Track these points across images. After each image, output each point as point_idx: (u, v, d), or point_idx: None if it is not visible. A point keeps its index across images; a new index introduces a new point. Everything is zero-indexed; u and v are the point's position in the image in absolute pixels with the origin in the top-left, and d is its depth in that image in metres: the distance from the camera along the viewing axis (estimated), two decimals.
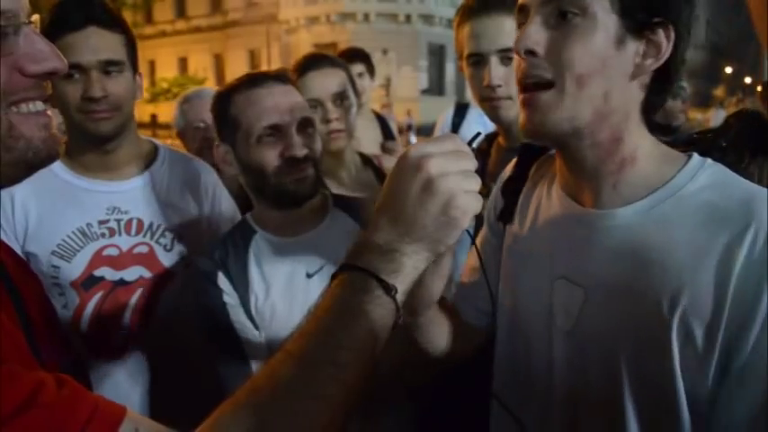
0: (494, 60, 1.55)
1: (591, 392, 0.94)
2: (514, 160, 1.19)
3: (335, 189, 1.87)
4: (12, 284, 0.82)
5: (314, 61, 1.89)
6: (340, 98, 1.86)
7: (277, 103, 1.37)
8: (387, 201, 0.77)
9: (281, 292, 1.38)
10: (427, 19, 28.14)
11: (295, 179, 1.36)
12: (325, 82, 1.86)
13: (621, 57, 0.87)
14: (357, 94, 1.96)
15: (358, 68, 3.17)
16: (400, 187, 0.75)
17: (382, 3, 28.03)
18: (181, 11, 34.99)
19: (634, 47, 0.88)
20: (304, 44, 28.25)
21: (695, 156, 0.92)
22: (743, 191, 0.87)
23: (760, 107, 4.90)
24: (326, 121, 1.84)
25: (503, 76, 1.55)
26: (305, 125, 1.39)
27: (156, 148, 1.70)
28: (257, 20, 30.40)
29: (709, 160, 0.92)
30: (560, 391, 0.99)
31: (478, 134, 0.85)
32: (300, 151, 1.35)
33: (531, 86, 0.90)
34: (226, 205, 1.77)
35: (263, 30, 28.63)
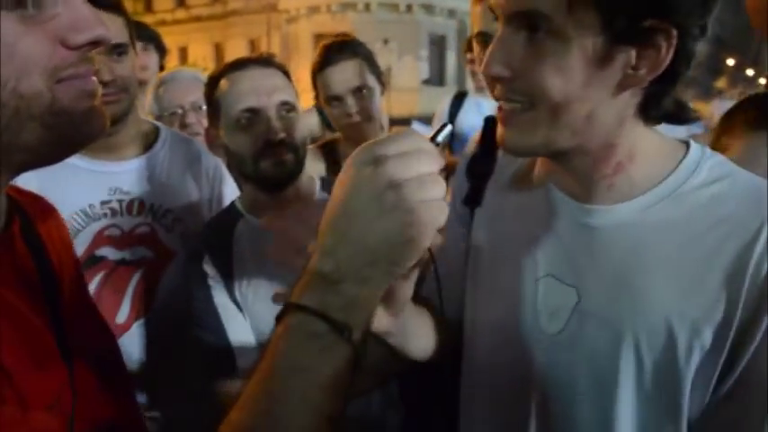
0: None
1: (580, 401, 0.87)
2: (478, 135, 1.08)
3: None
4: (49, 268, 0.74)
5: (331, 57, 1.90)
6: (359, 89, 1.90)
7: (255, 85, 1.38)
8: (333, 218, 0.63)
9: (265, 275, 1.39)
10: (428, 9, 28.00)
11: (273, 163, 1.36)
12: (344, 77, 1.89)
13: (606, 75, 0.75)
14: (380, 76, 1.97)
15: None
16: (348, 200, 0.61)
17: None
18: (180, 0, 34.85)
19: (623, 58, 0.74)
20: (304, 34, 28.17)
21: (693, 146, 0.86)
22: (749, 186, 0.82)
23: None
24: (347, 115, 1.90)
25: None
26: (285, 109, 1.39)
27: (157, 130, 1.71)
28: (257, 9, 30.25)
29: (708, 150, 0.86)
30: (540, 398, 0.91)
31: (445, 126, 0.71)
32: (278, 135, 1.35)
33: (506, 106, 0.81)
34: (228, 188, 1.78)
35: (263, 19, 28.53)
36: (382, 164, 0.60)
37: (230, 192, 1.78)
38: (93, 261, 1.56)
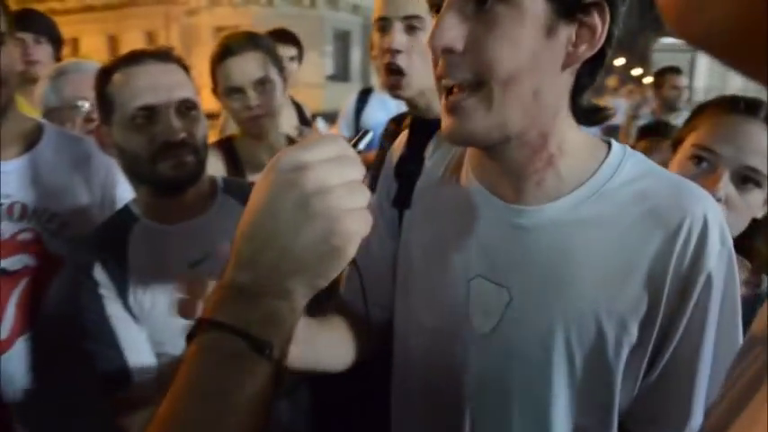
0: (398, 25, 1.44)
1: (514, 399, 0.89)
2: (405, 137, 1.10)
3: (253, 173, 1.86)
4: None
5: (233, 47, 1.83)
6: (262, 82, 1.83)
7: (153, 81, 1.28)
8: (251, 225, 0.58)
9: (162, 283, 1.31)
10: (332, 4, 27.92)
11: (170, 165, 1.28)
12: (246, 69, 1.82)
13: (552, 47, 0.76)
14: (282, 70, 1.91)
15: (290, 52, 3.17)
16: (268, 209, 0.57)
17: None
18: None
19: (566, 33, 0.76)
20: (205, 27, 27.40)
21: (614, 144, 0.88)
22: (671, 182, 0.85)
23: (653, 95, 5.18)
24: (248, 108, 1.83)
25: (405, 44, 1.44)
26: (185, 107, 1.31)
27: (40, 127, 1.58)
28: (155, 0, 29.17)
29: (628, 149, 0.88)
30: (475, 398, 0.91)
31: (365, 132, 0.68)
32: (177, 135, 1.27)
33: (452, 90, 0.79)
34: (121, 190, 1.66)
35: (161, 11, 27.53)
36: (308, 169, 0.56)
37: (124, 194, 1.67)
38: None
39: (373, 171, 1.19)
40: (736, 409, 0.35)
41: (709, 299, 0.81)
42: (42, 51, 2.53)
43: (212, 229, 1.36)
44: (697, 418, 0.85)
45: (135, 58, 1.31)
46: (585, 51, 0.77)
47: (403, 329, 1.02)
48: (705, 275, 0.80)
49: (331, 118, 4.14)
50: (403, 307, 1.01)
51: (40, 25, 2.56)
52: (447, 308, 0.92)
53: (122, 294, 1.29)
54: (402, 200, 1.03)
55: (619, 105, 9.27)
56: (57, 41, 2.63)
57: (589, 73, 0.82)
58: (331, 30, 27.64)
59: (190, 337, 0.58)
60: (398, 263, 1.03)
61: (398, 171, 1.06)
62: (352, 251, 0.58)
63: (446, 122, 0.81)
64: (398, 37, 1.42)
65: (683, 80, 4.85)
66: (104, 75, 1.32)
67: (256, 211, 0.58)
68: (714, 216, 0.82)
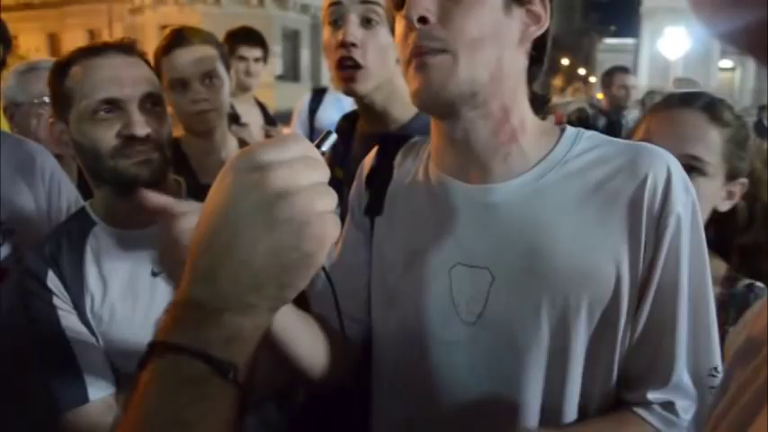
0: (352, 17, 1.34)
1: (502, 385, 0.90)
2: (375, 150, 1.12)
3: (203, 176, 1.77)
4: None
5: (181, 38, 1.75)
6: (209, 77, 1.75)
7: (117, 74, 1.21)
8: (208, 234, 0.52)
9: (122, 293, 1.23)
10: (281, 3, 27.70)
11: (134, 162, 1.20)
12: (193, 60, 1.73)
13: (510, 23, 0.88)
14: (229, 71, 1.85)
15: (256, 53, 3.09)
16: (226, 215, 0.52)
17: None
18: None
19: (519, 14, 0.89)
20: (150, 26, 26.83)
21: (569, 127, 0.96)
22: (628, 146, 0.92)
23: (600, 94, 5.30)
24: (194, 101, 1.74)
25: (360, 38, 1.34)
26: (150, 102, 1.24)
27: None
28: None
29: (583, 129, 0.95)
30: (465, 388, 0.92)
31: (329, 133, 0.65)
32: (141, 130, 1.20)
33: (423, 52, 0.86)
34: (66, 193, 1.59)
35: (104, 9, 26.86)
36: (271, 170, 0.51)
37: (70, 197, 1.60)
38: None
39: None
40: (742, 424, 0.34)
41: (680, 241, 0.87)
42: None
43: None
44: (681, 372, 0.88)
45: (96, 49, 1.24)
46: (535, 32, 0.90)
47: (384, 337, 1.01)
48: (675, 217, 0.86)
49: (281, 118, 4.08)
50: (383, 315, 1.01)
51: None
52: (432, 303, 0.94)
53: (79, 306, 1.21)
54: (374, 207, 1.04)
55: (570, 104, 9.48)
56: (5, 41, 2.53)
57: (537, 59, 0.94)
58: (280, 29, 27.41)
59: (142, 362, 0.52)
60: (374, 270, 1.04)
61: (369, 181, 1.08)
62: (322, 257, 0.54)
63: (417, 82, 0.87)
64: (353, 30, 1.33)
65: (631, 79, 4.98)
66: (61, 68, 1.24)
67: (213, 218, 0.52)
68: (676, 167, 0.89)
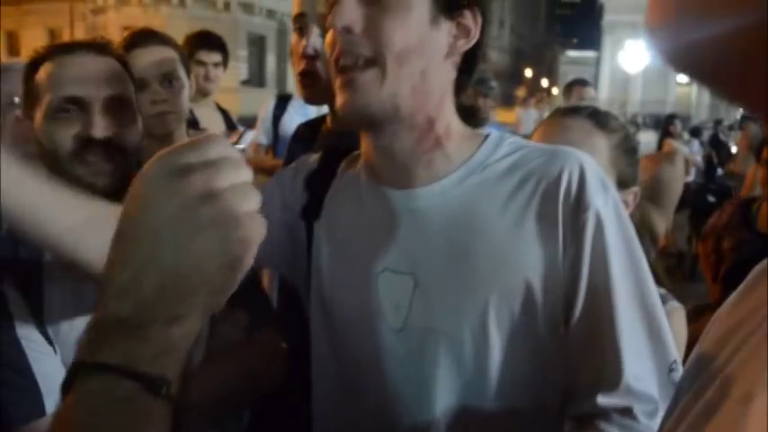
0: (314, 30, 1.38)
1: (436, 388, 0.88)
2: (319, 155, 1.12)
3: None
4: None
5: (141, 38, 1.72)
6: (169, 79, 1.72)
7: (82, 72, 1.16)
8: (125, 247, 0.50)
9: (82, 300, 1.16)
10: (247, 8, 27.52)
11: (91, 171, 1.14)
12: (153, 61, 1.70)
13: (436, 36, 0.88)
14: (189, 75, 1.83)
15: (215, 58, 3.05)
16: (145, 223, 0.49)
17: None
18: None
19: (447, 27, 0.89)
20: (113, 26, 26.33)
21: (494, 132, 0.97)
22: (545, 149, 0.93)
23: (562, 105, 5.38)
24: (153, 102, 1.69)
25: (321, 49, 1.35)
26: (116, 104, 1.18)
27: None
28: None
29: (507, 135, 0.97)
30: (397, 396, 0.91)
31: (245, 130, 0.61)
32: (101, 132, 1.13)
33: (349, 67, 0.87)
34: None
35: (65, 8, 26.33)
36: (191, 173, 0.49)
37: None
38: None
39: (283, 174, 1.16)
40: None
41: (605, 240, 0.85)
42: None
43: None
44: (631, 374, 0.84)
45: (68, 47, 1.20)
46: (463, 45, 0.90)
47: (321, 343, 1.01)
48: (593, 213, 0.85)
49: (247, 123, 4.05)
50: (319, 322, 1.01)
51: None
52: (361, 310, 0.93)
53: (36, 313, 1.15)
54: (312, 211, 1.03)
55: (529, 115, 9.62)
56: None
57: (467, 70, 0.94)
58: (245, 34, 27.25)
59: (66, 385, 0.48)
60: (312, 276, 1.02)
61: (310, 183, 1.06)
62: (250, 259, 0.52)
63: (342, 99, 0.88)
64: (314, 40, 1.35)
65: (590, 91, 5.04)
66: (33, 64, 1.20)
67: (130, 228, 0.49)
68: (590, 165, 0.89)
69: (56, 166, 1.16)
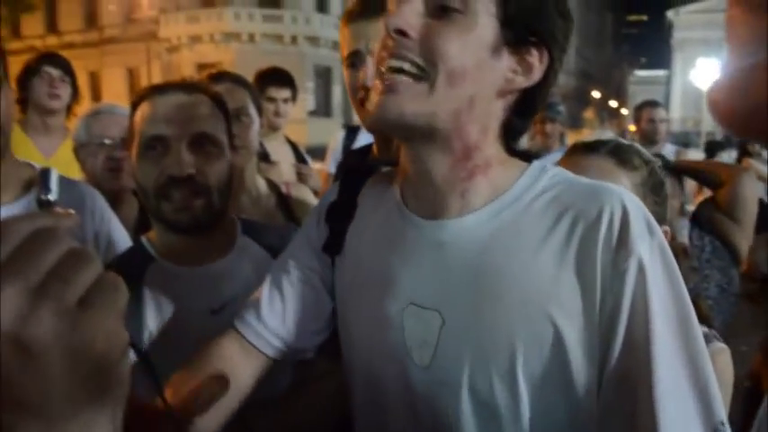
0: (370, 60, 1.40)
1: (467, 420, 0.82)
2: (337, 184, 1.05)
3: (234, 214, 1.82)
4: None
5: (214, 77, 1.82)
6: (238, 114, 1.79)
7: (170, 112, 1.21)
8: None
9: (180, 330, 1.19)
10: (313, 41, 28.25)
11: (174, 208, 1.19)
12: (225, 96, 1.80)
13: (495, 65, 0.81)
14: (260, 113, 1.92)
15: (285, 94, 3.15)
16: None
17: (267, 23, 27.87)
18: (52, 25, 33.14)
19: (507, 61, 0.82)
20: (186, 63, 27.54)
21: (535, 162, 0.89)
22: (585, 185, 0.85)
23: (632, 127, 5.29)
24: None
25: None
26: (201, 142, 1.21)
27: (35, 173, 1.57)
28: (136, 37, 29.33)
29: (549, 165, 0.89)
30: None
31: (46, 172, 0.54)
32: (185, 170, 1.17)
33: (396, 69, 0.80)
34: (117, 234, 1.66)
35: (142, 48, 27.68)
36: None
37: (119, 235, 1.66)
38: None
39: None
40: None
41: (646, 290, 0.76)
42: (65, 89, 2.87)
43: (234, 273, 1.26)
44: None
45: (161, 88, 1.26)
46: (522, 83, 0.83)
47: (352, 376, 0.97)
48: (636, 260, 0.76)
49: (314, 153, 4.15)
50: (348, 356, 0.97)
51: (65, 65, 2.92)
52: (387, 345, 0.87)
53: (136, 341, 1.22)
54: (334, 245, 0.99)
55: (606, 135, 9.49)
56: (74, 84, 2.97)
57: (521, 113, 0.86)
58: (312, 66, 27.91)
59: None
60: (339, 311, 0.99)
61: (330, 216, 1.01)
62: (125, 366, 0.47)
63: (377, 99, 0.81)
64: (372, 73, 1.35)
65: (660, 113, 4.84)
66: (134, 105, 1.27)
67: None
68: (635, 205, 0.80)
69: (147, 201, 1.24)
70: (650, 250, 0.77)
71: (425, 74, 0.79)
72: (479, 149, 0.84)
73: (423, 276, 0.85)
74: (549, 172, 0.87)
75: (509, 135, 0.87)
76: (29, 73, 2.84)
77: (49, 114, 2.84)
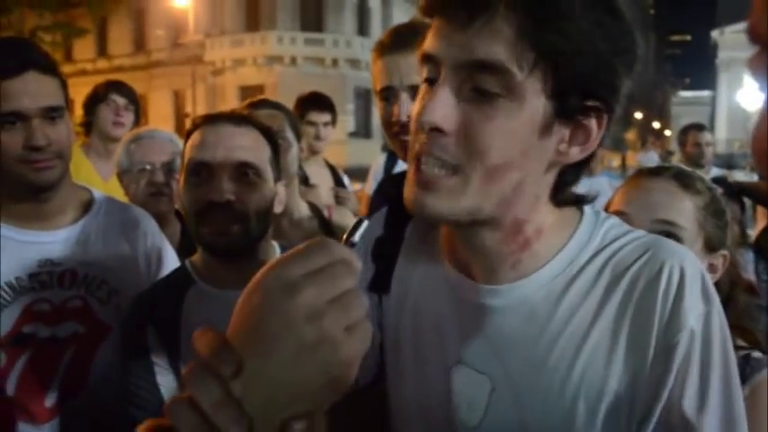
0: (404, 96, 1.42)
1: None
2: (382, 214, 1.02)
3: (275, 238, 1.84)
4: None
5: (255, 104, 1.91)
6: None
7: (215, 141, 1.27)
8: (241, 354, 0.53)
9: None
10: (354, 63, 28.57)
11: (212, 232, 1.25)
12: (262, 119, 1.86)
13: (543, 145, 0.73)
14: (299, 137, 1.96)
15: (325, 118, 3.21)
16: (257, 336, 0.53)
17: (309, 46, 28.34)
18: (102, 49, 34.27)
19: (559, 133, 0.74)
20: (230, 86, 28.15)
21: (587, 212, 0.84)
22: (642, 243, 0.80)
23: (675, 148, 5.20)
24: None
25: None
26: (243, 170, 1.27)
27: (92, 196, 1.63)
28: (182, 60, 30.05)
29: (602, 213, 0.86)
30: None
31: (361, 222, 0.61)
32: (223, 196, 1.23)
33: (428, 170, 0.74)
34: (167, 255, 1.70)
35: (188, 71, 28.33)
36: (297, 292, 0.51)
37: (169, 256, 1.70)
38: (20, 339, 1.44)
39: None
40: None
41: (694, 368, 0.74)
42: (128, 117, 3.00)
43: None
44: None
45: (212, 118, 1.33)
46: (577, 154, 0.76)
47: (396, 419, 0.95)
48: (687, 333, 0.74)
49: (353, 174, 4.17)
50: (396, 397, 0.94)
51: (130, 94, 3.06)
52: (432, 401, 0.86)
53: (174, 364, 1.26)
54: (381, 284, 0.95)
55: (650, 157, 9.32)
56: (137, 112, 3.11)
57: (574, 172, 0.80)
58: (352, 88, 28.19)
59: None
60: (387, 350, 0.95)
61: (376, 253, 0.97)
62: (352, 375, 0.54)
63: (413, 194, 0.75)
64: (406, 108, 1.35)
65: (706, 136, 4.73)
66: (188, 133, 1.34)
67: (246, 339, 0.53)
68: (693, 269, 0.76)
69: (189, 224, 1.30)
70: (704, 321, 0.75)
71: (460, 170, 0.73)
72: (530, 221, 0.79)
73: (472, 339, 0.83)
74: (603, 225, 0.82)
75: (561, 190, 0.81)
76: (96, 99, 2.97)
77: (112, 141, 2.93)
